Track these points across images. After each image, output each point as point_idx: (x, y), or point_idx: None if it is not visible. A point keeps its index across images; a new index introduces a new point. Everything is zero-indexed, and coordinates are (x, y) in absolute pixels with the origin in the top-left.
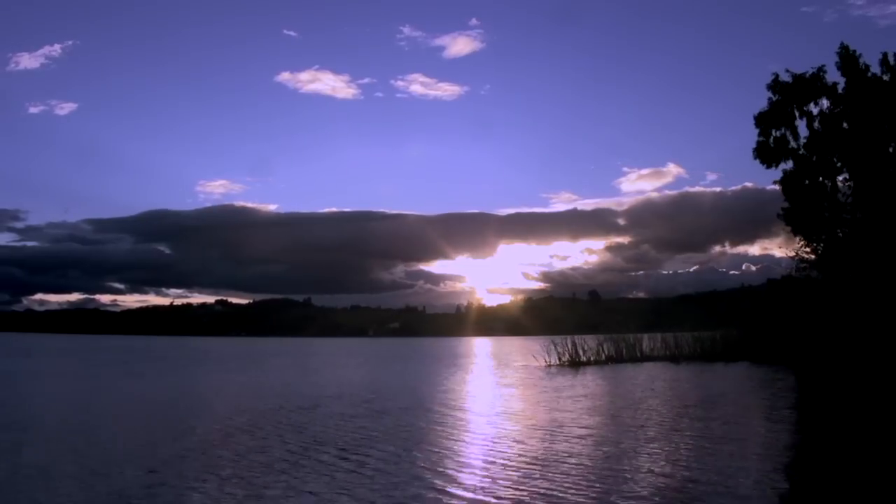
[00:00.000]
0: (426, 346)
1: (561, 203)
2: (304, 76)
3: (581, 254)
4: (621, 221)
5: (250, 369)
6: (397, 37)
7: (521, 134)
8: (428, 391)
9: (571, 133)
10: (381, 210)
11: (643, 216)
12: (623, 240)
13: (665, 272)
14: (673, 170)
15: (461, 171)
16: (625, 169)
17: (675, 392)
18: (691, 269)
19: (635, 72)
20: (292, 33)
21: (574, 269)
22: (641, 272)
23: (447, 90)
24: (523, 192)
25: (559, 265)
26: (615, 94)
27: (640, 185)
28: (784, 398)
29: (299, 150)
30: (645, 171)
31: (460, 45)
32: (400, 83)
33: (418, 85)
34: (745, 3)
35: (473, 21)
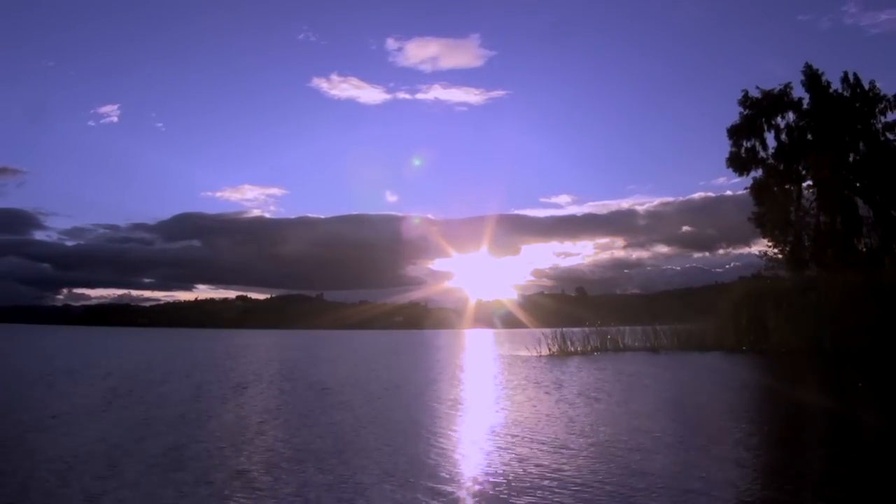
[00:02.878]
0: (431, 338)
1: (576, 205)
2: (329, 81)
3: (590, 252)
4: (640, 222)
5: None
6: (414, 44)
7: (537, 138)
8: (438, 375)
9: (591, 136)
10: (403, 213)
11: (659, 218)
12: (637, 240)
13: (653, 269)
14: (690, 172)
15: (482, 174)
16: (643, 172)
17: (647, 376)
18: (679, 268)
19: (649, 75)
20: (318, 39)
21: (581, 266)
22: (635, 270)
23: (464, 95)
24: (542, 194)
25: (567, 263)
26: (634, 97)
27: (657, 188)
28: (735, 381)
29: (324, 153)
30: (663, 175)
31: (470, 54)
32: (422, 86)
33: (439, 88)
34: (749, 10)
35: (484, 30)
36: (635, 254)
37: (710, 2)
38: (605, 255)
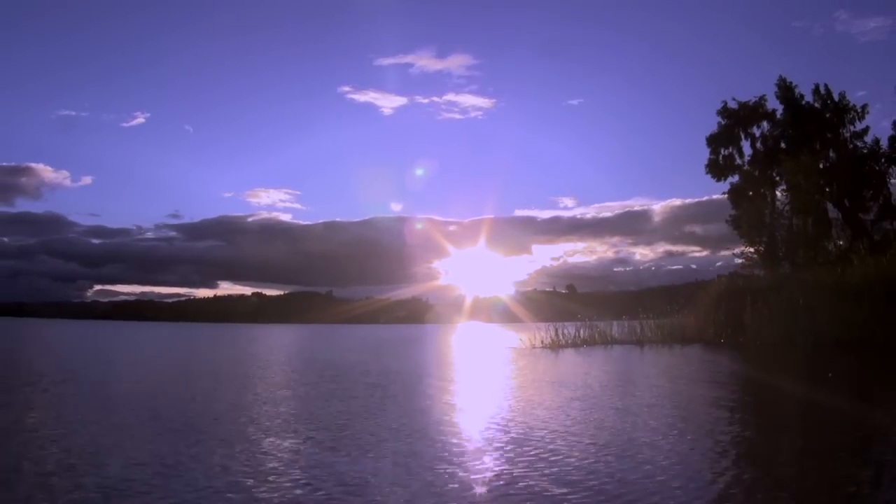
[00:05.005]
0: (432, 331)
1: (584, 206)
2: (352, 86)
3: (597, 252)
4: (648, 223)
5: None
6: (424, 55)
7: (545, 142)
8: (438, 363)
9: (601, 141)
10: (412, 215)
11: (668, 219)
12: (644, 239)
13: (647, 267)
14: (702, 175)
15: (491, 177)
16: (654, 174)
17: (630, 364)
18: (669, 267)
19: (656, 80)
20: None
21: (585, 264)
22: (634, 268)
23: (474, 100)
24: (551, 196)
25: (572, 261)
26: (644, 102)
27: (668, 190)
28: (713, 371)
29: (341, 157)
30: (674, 178)
31: (475, 61)
32: (435, 92)
33: (451, 94)
34: (748, 16)
35: (485, 40)
36: (640, 253)
37: (716, 6)
38: (610, 254)
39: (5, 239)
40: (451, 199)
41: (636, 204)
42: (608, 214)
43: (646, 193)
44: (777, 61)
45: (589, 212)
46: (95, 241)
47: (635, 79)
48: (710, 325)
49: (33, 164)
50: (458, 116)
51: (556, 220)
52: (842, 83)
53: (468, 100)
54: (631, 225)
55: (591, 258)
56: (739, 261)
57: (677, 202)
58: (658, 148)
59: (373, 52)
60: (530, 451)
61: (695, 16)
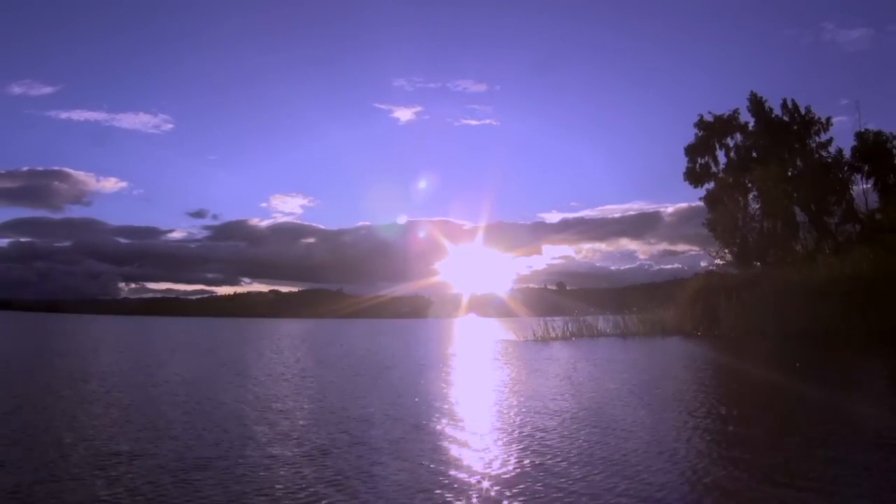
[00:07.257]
0: (434, 325)
1: (589, 209)
2: (366, 98)
3: (599, 251)
4: (656, 227)
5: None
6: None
7: (557, 146)
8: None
9: (608, 145)
10: (419, 218)
11: (677, 222)
12: (645, 240)
13: (640, 266)
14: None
15: (505, 181)
16: (660, 178)
17: (617, 356)
18: (661, 266)
19: (660, 86)
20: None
21: (586, 262)
22: (629, 266)
23: (486, 109)
24: (557, 200)
25: (578, 259)
26: (647, 107)
27: (674, 194)
28: (692, 361)
29: (359, 165)
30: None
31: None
32: (450, 102)
33: (465, 104)
34: (745, 25)
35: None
36: (644, 252)
37: (716, 14)
38: (615, 255)
39: (37, 240)
40: (463, 202)
41: (645, 207)
42: (617, 215)
43: (653, 197)
44: (772, 67)
45: (596, 213)
46: (124, 240)
47: (639, 85)
48: (688, 319)
49: (63, 168)
50: (473, 122)
51: (563, 221)
52: (829, 90)
53: (480, 108)
54: (639, 227)
55: (595, 257)
56: (716, 261)
57: (684, 205)
58: (665, 150)
59: (390, 62)
60: (517, 426)
61: (696, 24)
